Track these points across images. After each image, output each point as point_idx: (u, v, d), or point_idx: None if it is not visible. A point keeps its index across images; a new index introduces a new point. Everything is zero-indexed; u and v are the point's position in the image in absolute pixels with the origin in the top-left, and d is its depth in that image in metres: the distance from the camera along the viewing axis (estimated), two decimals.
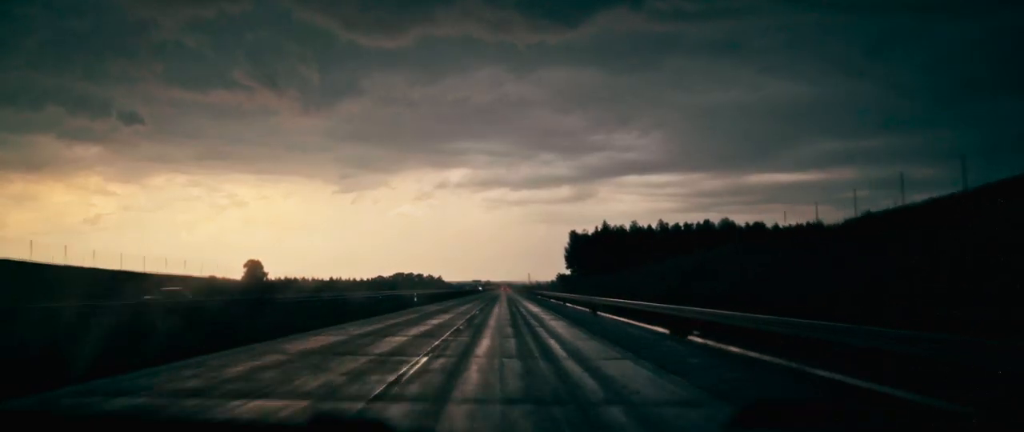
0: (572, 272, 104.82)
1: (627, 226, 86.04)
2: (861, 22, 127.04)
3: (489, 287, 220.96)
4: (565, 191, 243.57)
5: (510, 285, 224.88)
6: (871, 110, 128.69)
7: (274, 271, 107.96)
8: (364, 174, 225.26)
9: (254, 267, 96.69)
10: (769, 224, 62.53)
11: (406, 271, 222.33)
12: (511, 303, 43.94)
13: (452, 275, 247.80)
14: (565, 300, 46.35)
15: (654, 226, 74.48)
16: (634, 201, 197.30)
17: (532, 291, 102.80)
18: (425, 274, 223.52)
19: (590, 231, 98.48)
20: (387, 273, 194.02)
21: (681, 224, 75.95)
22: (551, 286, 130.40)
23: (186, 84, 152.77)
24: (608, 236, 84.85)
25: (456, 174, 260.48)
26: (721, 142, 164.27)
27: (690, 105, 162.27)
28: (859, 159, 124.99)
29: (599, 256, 78.62)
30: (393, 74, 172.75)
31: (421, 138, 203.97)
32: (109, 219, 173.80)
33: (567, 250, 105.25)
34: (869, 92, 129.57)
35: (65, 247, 75.67)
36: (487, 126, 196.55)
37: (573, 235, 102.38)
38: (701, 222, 75.94)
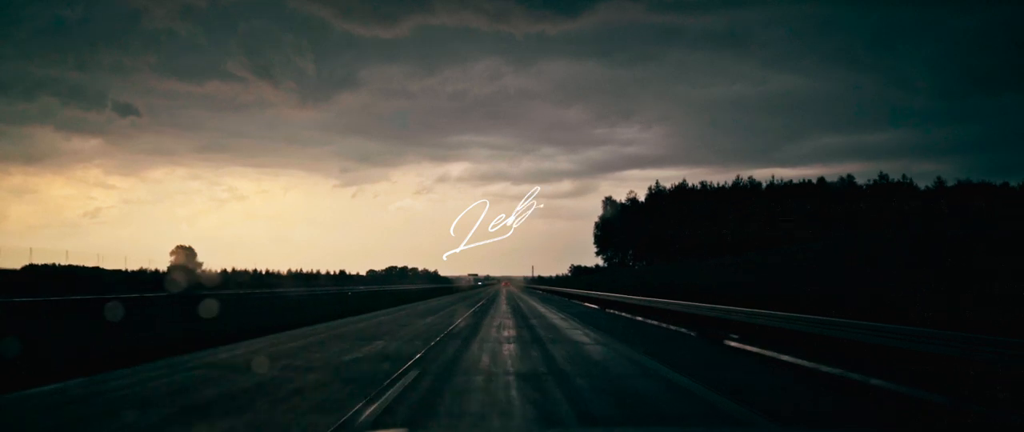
0: (605, 259, 73.58)
1: (695, 184, 56.49)
2: (866, 15, 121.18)
3: (490, 282, 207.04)
4: (567, 186, 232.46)
5: (510, 280, 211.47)
6: (875, 104, 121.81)
7: (272, 266, 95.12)
8: (364, 168, 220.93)
9: (183, 257, 75.14)
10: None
11: (400, 265, 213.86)
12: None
13: (453, 270, 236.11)
14: None
15: (728, 183, 48.17)
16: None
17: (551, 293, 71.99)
18: (421, 268, 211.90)
19: (640, 196, 66.94)
20: (380, 266, 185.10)
21: (759, 179, 47.19)
22: (559, 281, 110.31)
23: (182, 75, 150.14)
24: (663, 200, 55.79)
25: (457, 168, 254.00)
26: (724, 136, 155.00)
27: (693, 98, 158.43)
28: (862, 154, 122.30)
29: (651, 233, 52.09)
30: (391, 66, 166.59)
31: (420, 131, 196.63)
32: (109, 212, 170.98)
33: (598, 228, 74.05)
34: (873, 86, 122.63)
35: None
36: (487, 119, 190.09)
37: (608, 205, 73.86)
38: (803, 180, 47.37)
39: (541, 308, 32.81)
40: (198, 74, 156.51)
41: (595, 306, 34.72)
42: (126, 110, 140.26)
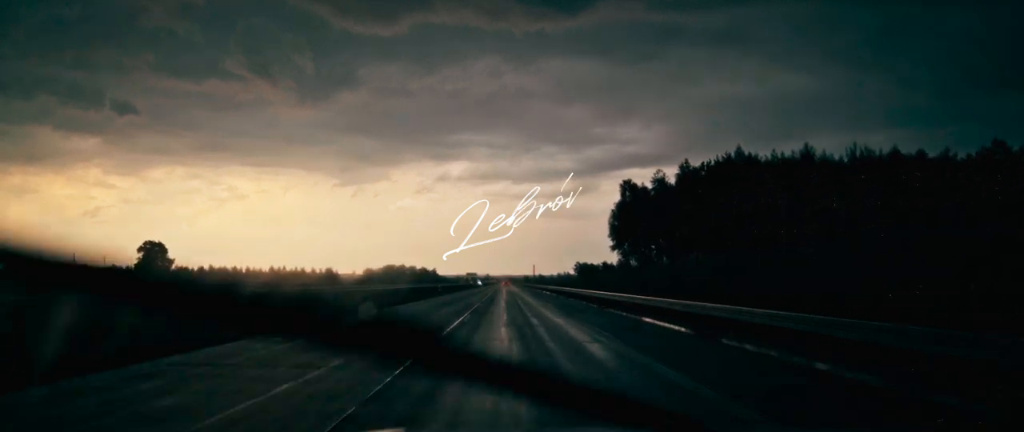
0: (622, 254, 64.24)
1: (753, 152, 45.88)
2: (869, 12, 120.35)
3: (489, 282, 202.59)
4: (567, 185, 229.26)
5: (511, 279, 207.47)
6: (878, 103, 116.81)
7: (274, 264, 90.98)
8: (364, 167, 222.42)
9: (152, 253, 68.70)
10: None
11: (398, 264, 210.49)
12: None
13: (453, 269, 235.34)
14: None
15: (795, 152, 37.20)
16: None
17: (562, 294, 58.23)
18: (419, 267, 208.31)
19: (669, 176, 55.86)
20: (378, 266, 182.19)
21: (847, 152, 34.70)
22: (561, 281, 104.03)
23: (180, 74, 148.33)
24: (700, 182, 44.45)
25: (457, 167, 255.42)
26: (726, 135, 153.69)
27: (694, 97, 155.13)
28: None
29: (682, 222, 42.58)
30: (390, 64, 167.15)
31: (420, 130, 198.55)
32: (109, 211, 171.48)
33: (614, 218, 64.51)
34: (876, 84, 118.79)
35: None
36: (487, 118, 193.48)
37: (627, 190, 64.01)
38: (893, 147, 35.03)
39: (585, 340, 16.37)
40: (197, 73, 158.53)
41: (683, 328, 19.12)
42: (124, 109, 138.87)
